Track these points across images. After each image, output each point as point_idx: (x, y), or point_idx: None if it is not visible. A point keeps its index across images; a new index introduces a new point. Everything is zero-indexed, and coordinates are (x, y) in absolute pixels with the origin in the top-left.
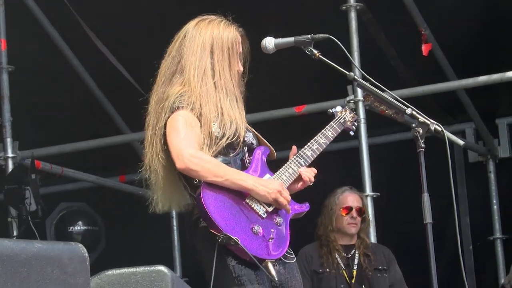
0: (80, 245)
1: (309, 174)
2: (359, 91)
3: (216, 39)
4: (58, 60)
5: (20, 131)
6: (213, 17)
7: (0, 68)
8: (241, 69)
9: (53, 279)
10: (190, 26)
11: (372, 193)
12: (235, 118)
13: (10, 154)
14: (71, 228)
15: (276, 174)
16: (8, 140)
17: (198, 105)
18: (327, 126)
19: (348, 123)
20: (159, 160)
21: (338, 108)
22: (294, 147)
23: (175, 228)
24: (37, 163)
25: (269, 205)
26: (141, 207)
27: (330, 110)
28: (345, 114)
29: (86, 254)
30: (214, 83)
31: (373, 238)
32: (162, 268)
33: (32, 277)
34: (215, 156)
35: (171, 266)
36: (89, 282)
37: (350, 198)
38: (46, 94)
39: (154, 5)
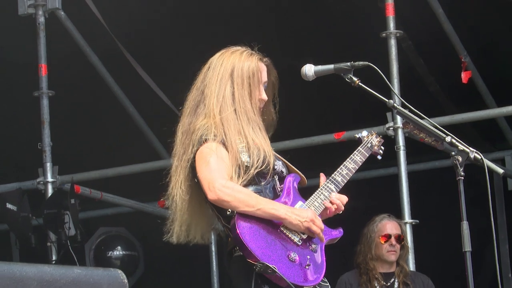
0: (120, 271)
1: (340, 200)
2: (399, 118)
3: (236, 68)
4: (98, 86)
5: (60, 156)
6: (237, 47)
7: (40, 93)
8: (265, 98)
9: None
10: (215, 57)
11: (411, 220)
12: (261, 146)
13: (50, 179)
14: (110, 253)
15: (308, 201)
16: (48, 165)
17: (224, 136)
18: (355, 151)
19: (375, 147)
20: (180, 191)
21: (364, 133)
22: (322, 174)
23: (213, 254)
24: (76, 188)
25: (303, 232)
26: None
27: (356, 135)
28: (371, 138)
29: (126, 280)
30: (235, 110)
31: (412, 266)
32: None
33: None
34: (246, 185)
35: None
36: None
37: (389, 226)
38: (86, 119)
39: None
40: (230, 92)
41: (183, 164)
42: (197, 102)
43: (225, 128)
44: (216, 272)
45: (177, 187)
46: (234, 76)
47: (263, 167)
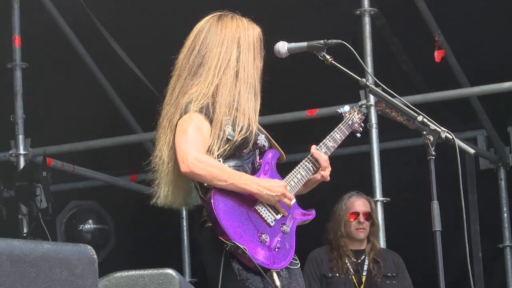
0: (89, 247)
1: (326, 166)
2: (371, 96)
3: (243, 33)
4: (72, 59)
5: (32, 128)
6: (233, 14)
7: (14, 65)
8: (262, 65)
9: (62, 280)
10: (211, 20)
11: (382, 198)
12: (250, 118)
13: (22, 151)
14: (81, 226)
15: (285, 179)
16: (20, 137)
17: (212, 105)
18: (335, 129)
19: (356, 124)
20: (164, 156)
21: (347, 108)
22: (313, 146)
23: (185, 229)
24: (48, 161)
25: (277, 213)
26: (151, 207)
27: (338, 110)
28: (353, 115)
29: (95, 256)
30: (236, 72)
31: (382, 243)
32: (170, 271)
33: (40, 278)
34: (227, 158)
35: (180, 266)
36: (97, 284)
37: (357, 203)
38: (59, 92)
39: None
40: (235, 56)
41: (167, 129)
42: (197, 64)
43: (218, 97)
44: (187, 247)
45: (161, 152)
46: (241, 41)
47: (245, 141)
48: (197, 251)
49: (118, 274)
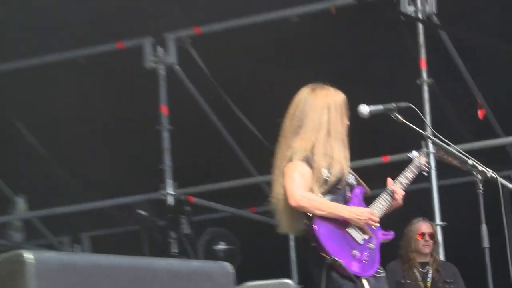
0: (228, 263)
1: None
2: (431, 146)
3: (331, 100)
4: (204, 122)
5: (178, 173)
6: (323, 85)
7: (162, 127)
8: (348, 123)
9: None
10: (307, 92)
11: (441, 223)
12: (341, 163)
13: (170, 192)
14: (215, 247)
15: (369, 207)
16: (169, 181)
17: (311, 156)
18: (406, 169)
19: (423, 166)
20: (282, 193)
21: (415, 153)
22: (389, 179)
23: (292, 248)
24: (190, 198)
25: (364, 233)
26: (266, 231)
27: (408, 154)
28: (420, 158)
29: (232, 271)
30: (328, 131)
31: (442, 257)
32: (288, 281)
33: None
34: (325, 194)
35: (289, 277)
36: None
37: (423, 226)
38: (193, 145)
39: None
40: (326, 119)
41: (279, 174)
42: (297, 126)
43: (315, 149)
44: (295, 261)
45: (276, 193)
46: (330, 106)
47: (339, 181)
48: (302, 265)
49: (249, 284)
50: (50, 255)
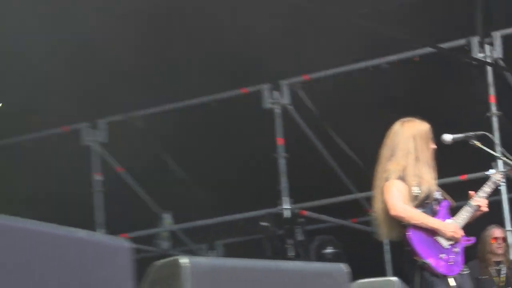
0: (343, 264)
1: (485, 204)
2: (503, 165)
3: (418, 131)
4: (307, 146)
5: (292, 191)
6: (412, 118)
7: (279, 155)
8: (434, 147)
9: (328, 286)
10: (397, 125)
11: (511, 229)
12: (429, 182)
13: (286, 207)
14: (324, 251)
15: (454, 218)
16: (285, 199)
17: (404, 176)
18: (484, 185)
19: (498, 181)
20: (378, 208)
21: (493, 171)
22: (471, 192)
23: (387, 251)
24: (302, 212)
25: (450, 240)
26: (365, 238)
27: (487, 172)
28: (496, 175)
29: (347, 270)
30: (416, 157)
31: None
32: (393, 278)
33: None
34: (416, 207)
35: (385, 275)
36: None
37: (497, 232)
38: (304, 168)
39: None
40: (414, 146)
41: (378, 192)
42: (390, 153)
43: (406, 171)
44: (390, 261)
45: (377, 207)
46: (417, 136)
47: (428, 196)
48: (397, 265)
49: (359, 281)
50: (202, 260)
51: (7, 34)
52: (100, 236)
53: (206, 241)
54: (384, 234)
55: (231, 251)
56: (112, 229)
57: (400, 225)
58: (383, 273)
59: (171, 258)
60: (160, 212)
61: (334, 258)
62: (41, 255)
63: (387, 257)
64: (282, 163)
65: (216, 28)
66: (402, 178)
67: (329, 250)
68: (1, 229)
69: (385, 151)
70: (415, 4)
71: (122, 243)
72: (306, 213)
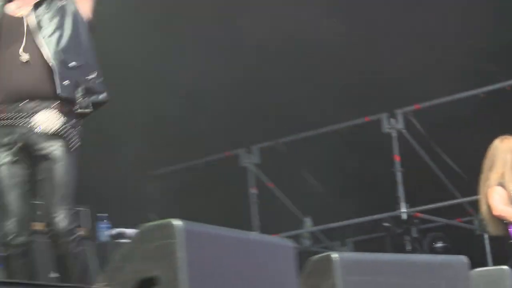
0: (464, 256)
1: None
2: None
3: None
4: (419, 162)
5: (408, 197)
6: (508, 136)
7: (396, 169)
8: None
9: (449, 279)
10: (497, 141)
11: None
12: None
13: (404, 210)
14: (435, 245)
15: None
16: (402, 204)
17: (503, 182)
18: None
19: None
20: (486, 208)
21: None
22: None
23: (487, 245)
24: (417, 214)
25: None
26: (468, 234)
27: None
28: None
29: (467, 261)
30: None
31: None
32: (504, 267)
33: (435, 279)
34: None
35: (486, 265)
36: (471, 278)
37: None
38: (416, 179)
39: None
40: (510, 157)
41: (483, 197)
42: (490, 165)
43: (504, 178)
44: (489, 254)
45: (483, 209)
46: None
47: None
48: (496, 255)
49: (477, 270)
50: (349, 255)
51: (193, 73)
52: (268, 238)
53: (338, 239)
54: (492, 230)
55: (359, 247)
56: (264, 231)
57: (503, 223)
58: (484, 264)
59: (324, 254)
60: (302, 217)
61: (443, 251)
62: (242, 259)
63: (487, 247)
64: (399, 175)
65: (351, 65)
66: (502, 185)
67: (439, 244)
68: (210, 238)
69: (486, 163)
70: None
71: (287, 242)
72: (420, 215)
